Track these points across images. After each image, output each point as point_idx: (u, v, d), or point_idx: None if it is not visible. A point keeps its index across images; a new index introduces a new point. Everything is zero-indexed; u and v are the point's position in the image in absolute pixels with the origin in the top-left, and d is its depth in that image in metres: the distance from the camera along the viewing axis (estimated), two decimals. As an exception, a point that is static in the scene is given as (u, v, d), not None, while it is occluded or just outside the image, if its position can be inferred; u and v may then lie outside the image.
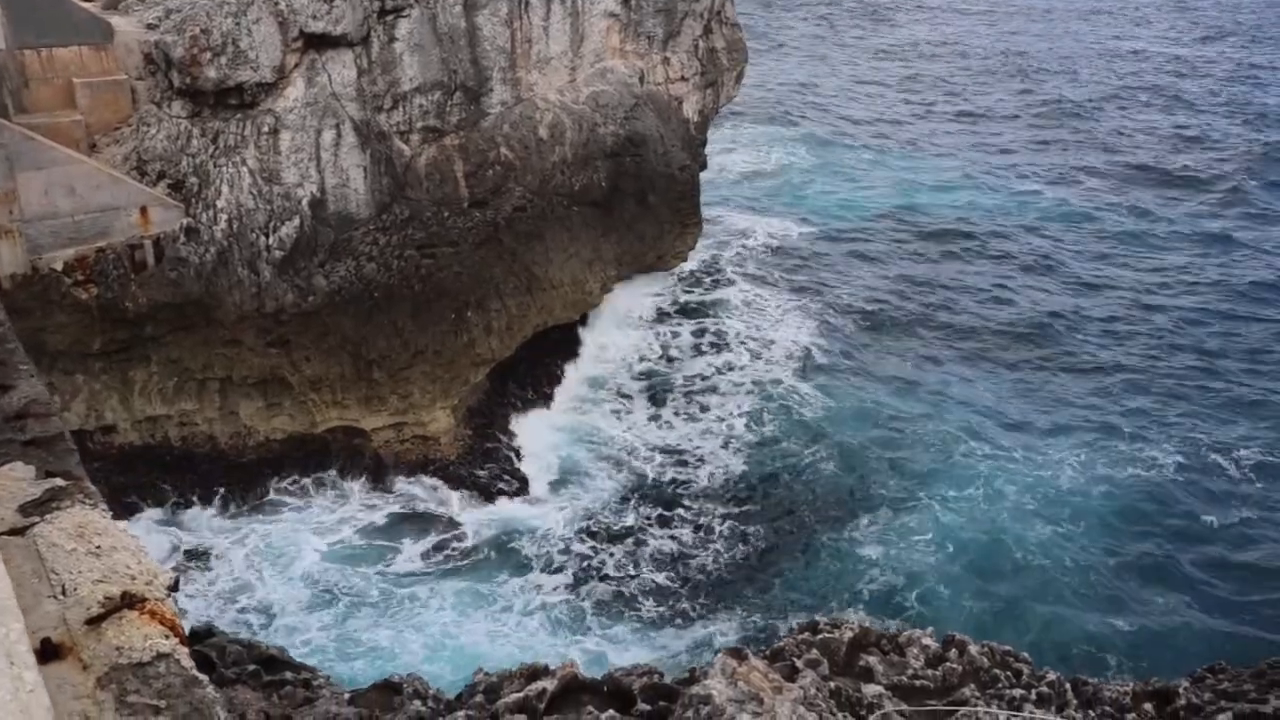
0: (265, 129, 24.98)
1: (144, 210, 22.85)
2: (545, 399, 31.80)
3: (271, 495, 25.89)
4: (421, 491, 26.91)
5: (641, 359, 35.19)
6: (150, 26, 24.95)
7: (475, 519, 26.44)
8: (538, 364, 32.04)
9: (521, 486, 27.79)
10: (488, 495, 27.18)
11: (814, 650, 8.05)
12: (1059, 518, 27.21)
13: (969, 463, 29.48)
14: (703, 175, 39.35)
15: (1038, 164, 58.45)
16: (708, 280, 40.95)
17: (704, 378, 34.11)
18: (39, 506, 4.21)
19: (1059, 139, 63.49)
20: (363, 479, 26.80)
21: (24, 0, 22.25)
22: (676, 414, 32.00)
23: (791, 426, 31.17)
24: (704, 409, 32.24)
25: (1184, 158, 59.62)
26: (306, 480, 26.33)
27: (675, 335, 36.96)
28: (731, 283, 40.99)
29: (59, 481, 4.58)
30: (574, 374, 33.42)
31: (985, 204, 51.36)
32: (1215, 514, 27.71)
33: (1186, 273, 43.34)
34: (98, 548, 3.88)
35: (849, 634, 8.33)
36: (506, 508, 27.01)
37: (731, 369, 34.73)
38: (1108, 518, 27.44)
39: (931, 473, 29.09)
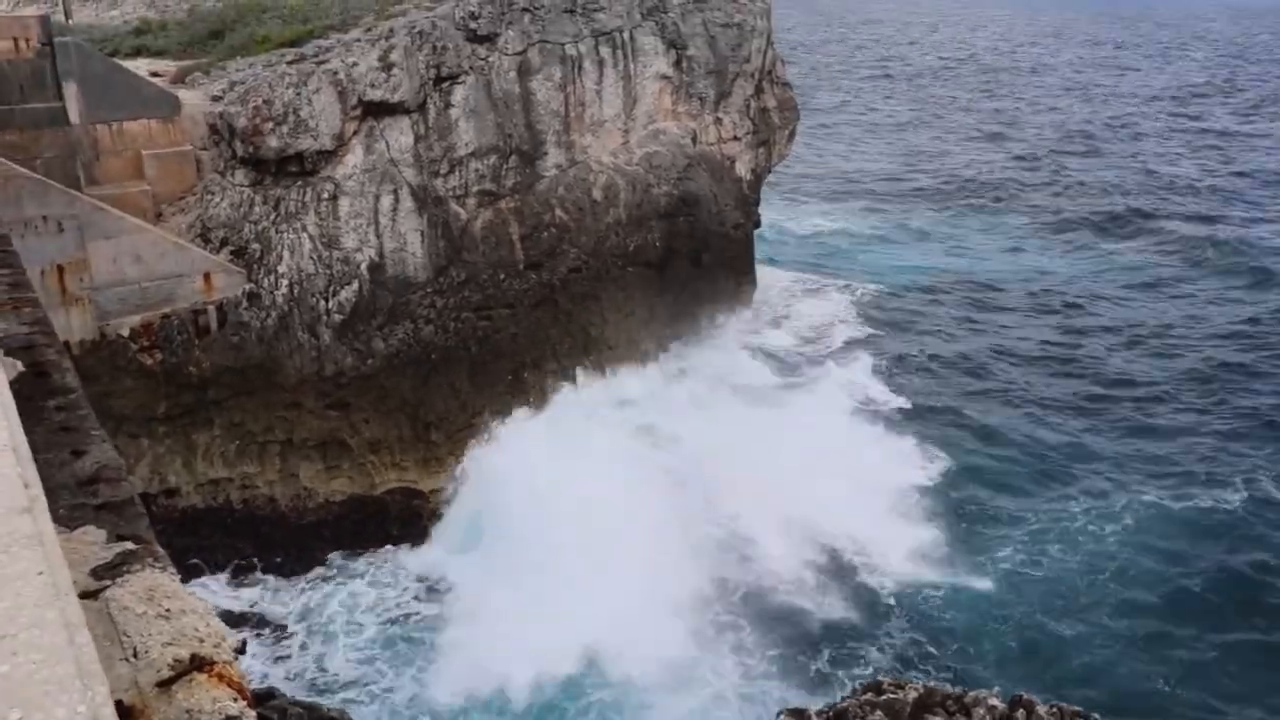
0: (325, 195, 25.42)
1: (207, 277, 23.29)
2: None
3: (333, 558, 25.97)
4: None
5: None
6: (215, 99, 25.60)
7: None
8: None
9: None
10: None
11: (878, 711, 7.89)
12: (1131, 569, 26.58)
13: (1035, 509, 29.01)
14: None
15: (1097, 224, 58.09)
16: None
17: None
18: (110, 570, 4.22)
19: (1125, 202, 62.79)
20: (420, 544, 26.78)
21: (98, 78, 22.95)
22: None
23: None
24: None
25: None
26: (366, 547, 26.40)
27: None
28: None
29: (129, 545, 4.59)
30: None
31: (1052, 268, 51.15)
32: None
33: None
34: (167, 610, 3.87)
35: (913, 694, 8.15)
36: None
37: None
38: (1183, 571, 26.76)
39: (994, 516, 28.66)
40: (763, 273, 42.62)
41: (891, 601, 25.51)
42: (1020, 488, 30.46)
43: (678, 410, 31.25)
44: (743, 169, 38.33)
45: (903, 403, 35.19)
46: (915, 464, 30.95)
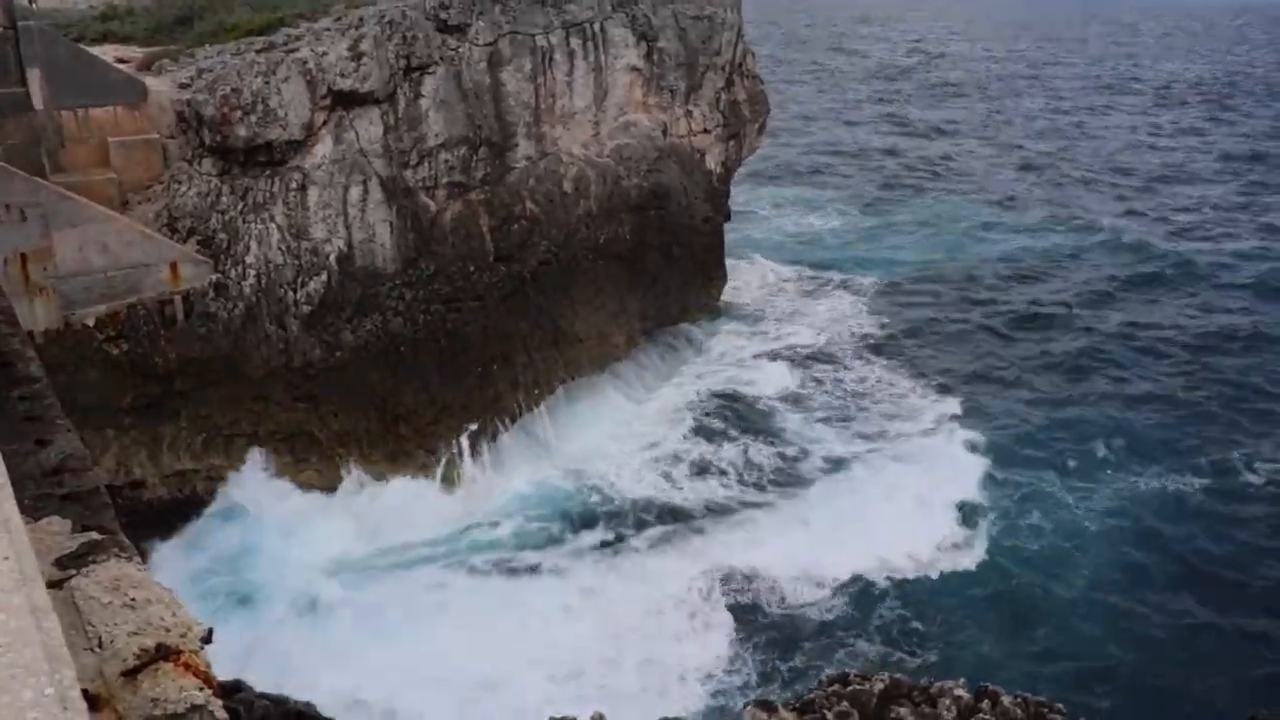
0: (293, 185, 25.26)
1: (174, 266, 23.08)
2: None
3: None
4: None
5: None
6: (183, 86, 25.36)
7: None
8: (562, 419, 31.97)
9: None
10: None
11: (844, 702, 7.94)
12: (1104, 560, 26.85)
13: (1008, 495, 29.27)
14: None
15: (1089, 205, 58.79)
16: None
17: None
18: (75, 560, 4.21)
19: (1102, 178, 63.61)
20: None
21: (63, 63, 22.68)
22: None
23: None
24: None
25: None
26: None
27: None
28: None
29: (95, 535, 4.58)
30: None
31: (1038, 246, 51.91)
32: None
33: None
34: (133, 600, 3.86)
35: (879, 685, 8.20)
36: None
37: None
38: (1152, 556, 27.09)
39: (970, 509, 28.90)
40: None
41: (878, 586, 25.62)
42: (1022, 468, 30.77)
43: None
44: (713, 162, 38.39)
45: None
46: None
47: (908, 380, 36.29)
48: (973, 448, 31.30)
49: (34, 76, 22.24)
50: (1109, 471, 30.69)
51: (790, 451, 31.32)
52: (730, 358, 37.45)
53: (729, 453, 31.06)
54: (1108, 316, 42.59)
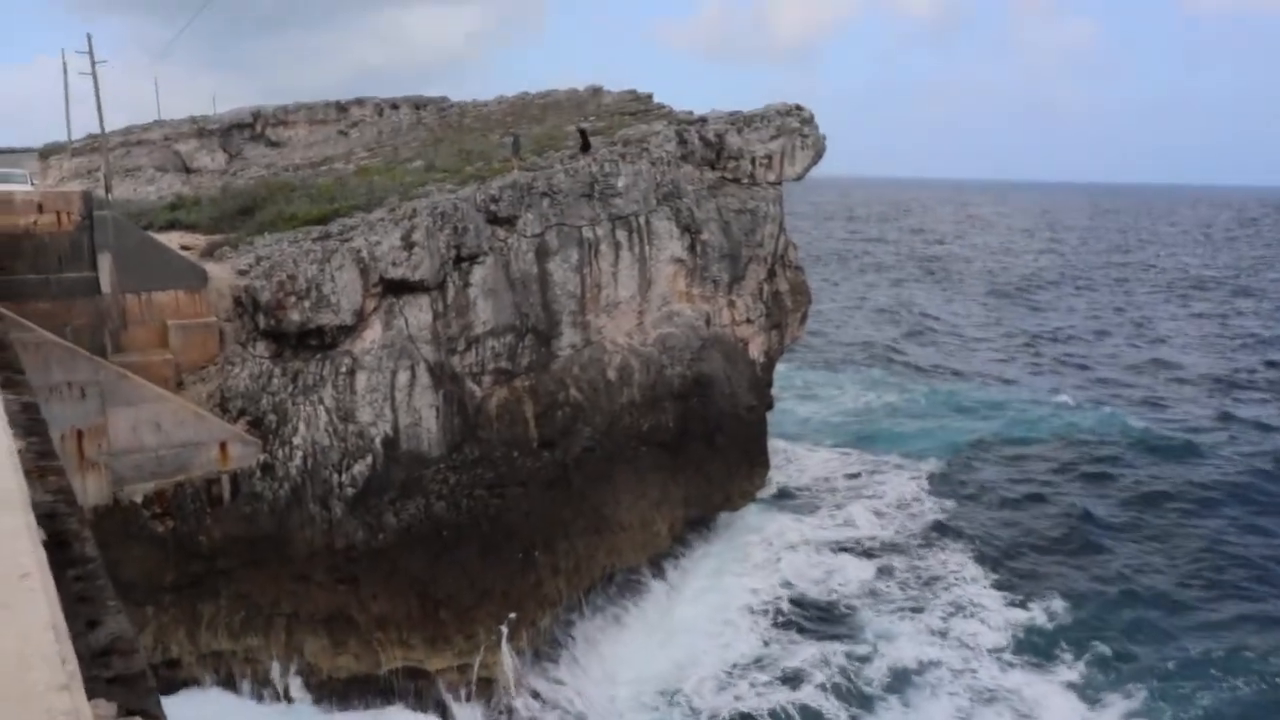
0: (343, 369, 25.77)
1: (224, 446, 23.43)
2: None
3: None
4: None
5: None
6: (241, 272, 26.26)
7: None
8: (604, 608, 31.50)
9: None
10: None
11: None
12: None
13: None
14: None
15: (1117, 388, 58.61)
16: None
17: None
18: (122, 745, 4.19)
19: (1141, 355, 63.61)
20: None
21: (131, 250, 23.64)
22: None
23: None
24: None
25: None
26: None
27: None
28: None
29: (138, 720, 4.57)
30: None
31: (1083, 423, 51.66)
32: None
33: None
34: (179, 787, 3.84)
35: None
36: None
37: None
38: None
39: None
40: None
41: None
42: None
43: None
44: (756, 351, 38.80)
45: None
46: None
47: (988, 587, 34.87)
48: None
49: (104, 262, 23.17)
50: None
51: (862, 651, 30.04)
52: (788, 546, 36.93)
53: (808, 654, 29.78)
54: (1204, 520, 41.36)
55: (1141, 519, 39.74)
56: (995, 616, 31.86)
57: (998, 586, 33.82)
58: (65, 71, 69.43)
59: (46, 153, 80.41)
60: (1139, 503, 41.25)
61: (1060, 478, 44.50)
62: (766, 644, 30.28)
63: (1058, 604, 32.51)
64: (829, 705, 27.38)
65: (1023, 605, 32.51)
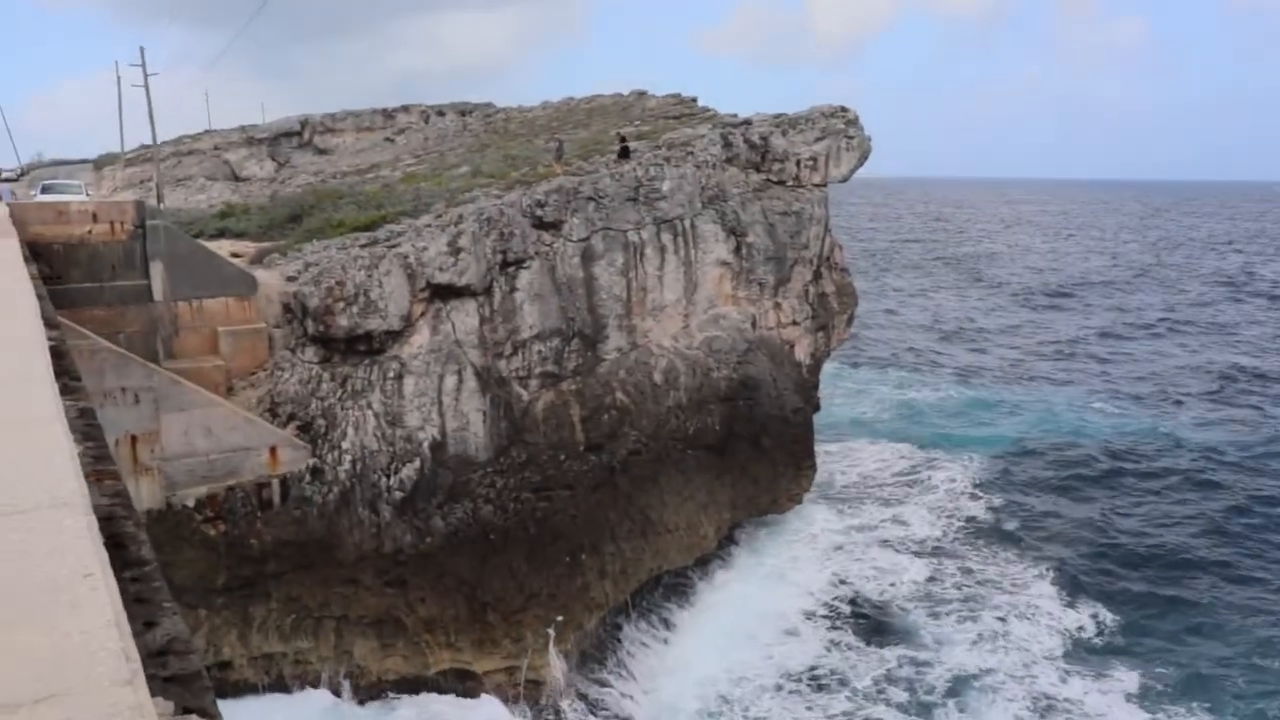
0: (391, 374, 25.97)
1: (273, 450, 23.69)
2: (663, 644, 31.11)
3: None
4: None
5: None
6: (290, 279, 26.55)
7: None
8: (652, 610, 31.51)
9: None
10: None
11: None
12: None
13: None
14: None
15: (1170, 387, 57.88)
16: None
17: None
18: (181, 741, 4.26)
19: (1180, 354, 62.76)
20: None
21: (182, 258, 24.02)
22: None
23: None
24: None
25: None
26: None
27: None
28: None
29: (195, 718, 4.65)
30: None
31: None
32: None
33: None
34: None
35: None
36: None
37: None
38: None
39: None
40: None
41: None
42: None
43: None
44: (802, 354, 38.63)
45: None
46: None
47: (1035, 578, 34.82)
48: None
49: (156, 270, 23.53)
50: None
51: (921, 656, 29.75)
52: (836, 547, 36.87)
53: (864, 659, 29.63)
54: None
55: (1191, 524, 39.18)
56: (1051, 622, 31.63)
57: (1051, 590, 33.57)
58: (119, 84, 70.52)
59: (101, 163, 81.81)
60: (1187, 509, 40.68)
61: (1108, 482, 44.09)
62: (821, 649, 30.21)
63: (1112, 609, 32.26)
64: (889, 715, 27.15)
65: (1077, 609, 32.25)
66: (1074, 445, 48.86)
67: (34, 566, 3.42)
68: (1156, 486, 43.23)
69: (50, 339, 8.61)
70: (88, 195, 37.79)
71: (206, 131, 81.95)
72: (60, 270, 22.47)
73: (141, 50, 56.32)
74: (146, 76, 55.43)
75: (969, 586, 33.84)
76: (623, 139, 36.37)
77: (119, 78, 71.22)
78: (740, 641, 30.21)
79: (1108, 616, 31.84)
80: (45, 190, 36.96)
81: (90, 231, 22.98)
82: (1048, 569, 34.93)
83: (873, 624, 31.58)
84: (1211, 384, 61.49)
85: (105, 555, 3.66)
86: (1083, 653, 29.99)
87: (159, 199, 50.91)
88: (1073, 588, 33.62)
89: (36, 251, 21.57)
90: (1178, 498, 41.86)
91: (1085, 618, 31.75)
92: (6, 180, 67.85)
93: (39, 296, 11.61)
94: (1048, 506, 41.10)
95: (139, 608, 6.68)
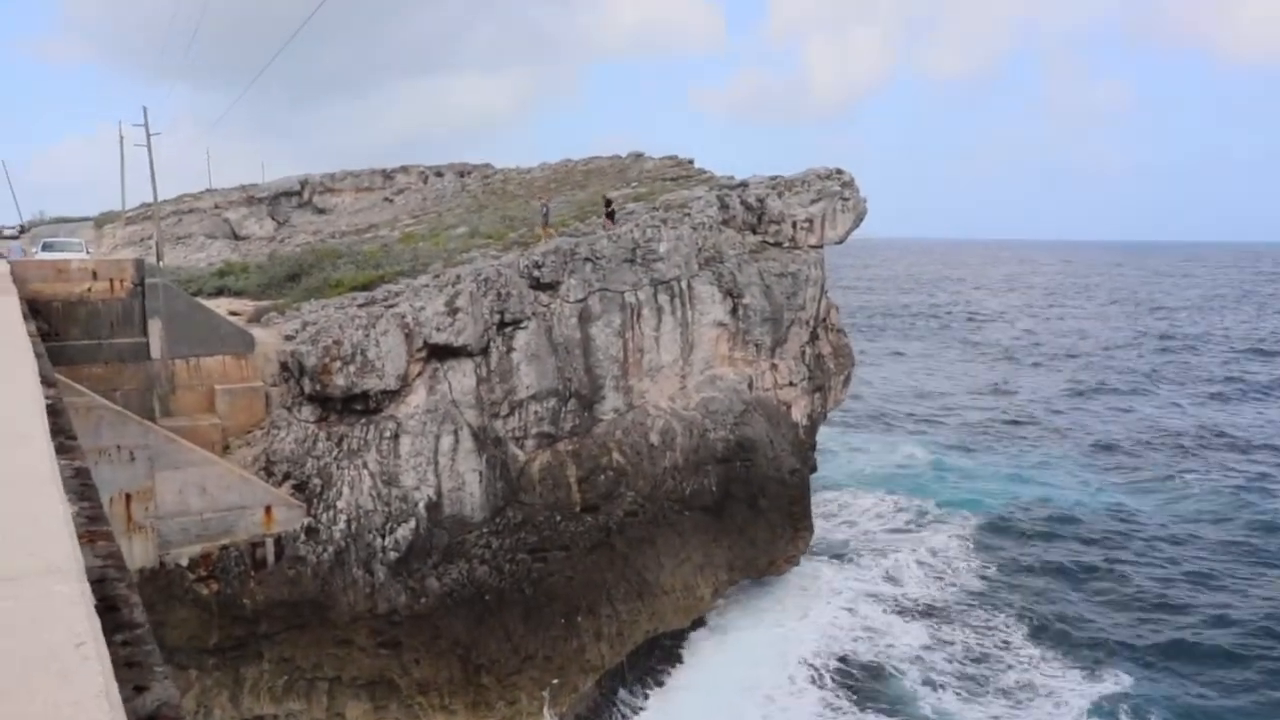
0: (387, 433, 25.93)
1: (268, 509, 23.57)
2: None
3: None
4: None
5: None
6: (288, 337, 26.61)
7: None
8: (647, 673, 31.19)
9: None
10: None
11: None
12: None
13: None
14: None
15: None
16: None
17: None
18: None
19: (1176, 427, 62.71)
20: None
21: (181, 316, 24.07)
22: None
23: None
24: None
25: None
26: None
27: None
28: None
29: (182, 788, 4.59)
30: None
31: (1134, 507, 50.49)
32: None
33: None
34: None
35: None
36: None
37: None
38: None
39: None
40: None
41: None
42: None
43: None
44: (799, 415, 38.64)
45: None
46: None
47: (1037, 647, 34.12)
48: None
49: (155, 328, 23.58)
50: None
51: None
52: (835, 610, 36.54)
53: None
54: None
55: (1203, 586, 38.84)
56: (1061, 698, 30.79)
57: (1055, 663, 32.81)
58: (121, 144, 71.18)
59: (101, 221, 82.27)
60: (1189, 577, 40.23)
61: (1108, 544, 43.64)
62: (817, 712, 29.74)
63: (1120, 684, 31.37)
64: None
65: (1085, 687, 31.27)
66: (1074, 507, 48.61)
67: (24, 635, 3.40)
68: (1165, 551, 42.79)
69: (47, 397, 8.61)
70: (88, 253, 37.96)
71: (207, 190, 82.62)
72: (59, 327, 22.51)
73: (145, 110, 56.98)
74: (149, 136, 55.99)
75: (968, 659, 33.31)
76: (608, 201, 36.74)
77: (121, 137, 71.95)
78: (736, 704, 29.85)
79: (1115, 694, 31.22)
80: (46, 248, 37.22)
81: (90, 289, 23.06)
82: (1046, 640, 34.40)
83: (868, 689, 31.09)
84: (1221, 447, 61.38)
85: (98, 622, 3.64)
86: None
87: (159, 257, 51.17)
88: (1076, 664, 32.80)
89: (36, 309, 21.63)
90: (1191, 563, 41.34)
91: (1086, 698, 31.01)
92: (9, 237, 68.31)
93: (37, 354, 11.61)
94: (1041, 573, 40.70)
95: (130, 672, 6.64)
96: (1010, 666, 32.52)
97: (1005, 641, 34.23)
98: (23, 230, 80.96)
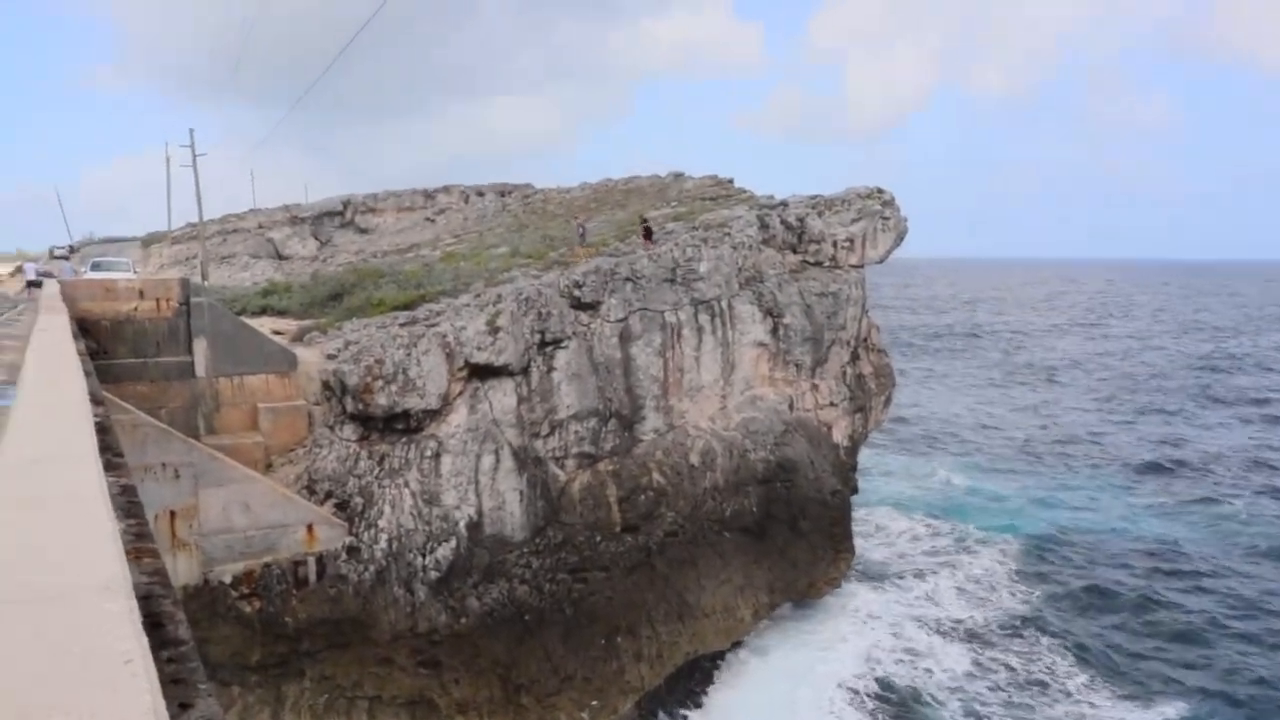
0: (428, 453, 26.00)
1: (310, 528, 23.69)
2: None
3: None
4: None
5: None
6: (330, 356, 26.78)
7: None
8: (687, 695, 31.00)
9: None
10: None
11: None
12: None
13: None
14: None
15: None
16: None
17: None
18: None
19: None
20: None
21: (225, 335, 24.32)
22: None
23: None
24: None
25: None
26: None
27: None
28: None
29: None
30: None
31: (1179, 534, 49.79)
32: None
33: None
34: None
35: None
36: None
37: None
38: None
39: None
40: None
41: None
42: None
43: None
44: (840, 435, 38.40)
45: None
46: None
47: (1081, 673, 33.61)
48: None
49: (200, 347, 23.83)
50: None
51: None
52: (875, 633, 36.17)
53: None
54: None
55: (1248, 624, 38.00)
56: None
57: (1105, 692, 32.14)
58: (168, 165, 72.24)
59: (148, 241, 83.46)
60: (1241, 606, 39.47)
61: (1150, 575, 42.84)
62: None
63: (1175, 716, 30.81)
64: None
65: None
66: (1118, 532, 47.92)
67: (74, 653, 3.40)
68: (1213, 579, 41.97)
69: (95, 415, 8.69)
70: (135, 273, 38.47)
71: (251, 210, 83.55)
72: (107, 345, 22.79)
73: (191, 132, 57.75)
74: (195, 157, 56.73)
75: (1014, 683, 32.71)
76: (644, 220, 36.80)
77: (168, 159, 73.03)
78: None
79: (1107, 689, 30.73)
80: (95, 268, 37.79)
81: (136, 308, 23.34)
82: (1087, 669, 33.82)
83: (909, 716, 30.73)
84: (1271, 472, 60.36)
85: (145, 640, 3.64)
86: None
87: (204, 276, 51.79)
88: (1117, 696, 32.39)
89: (85, 327, 21.91)
90: (1243, 592, 40.50)
91: (1135, 716, 30.60)
92: (60, 257, 69.49)
93: (86, 373, 11.74)
94: (1089, 596, 40.07)
95: (175, 688, 6.66)
96: (1059, 697, 31.81)
97: (1050, 669, 33.61)
98: (72, 251, 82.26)
